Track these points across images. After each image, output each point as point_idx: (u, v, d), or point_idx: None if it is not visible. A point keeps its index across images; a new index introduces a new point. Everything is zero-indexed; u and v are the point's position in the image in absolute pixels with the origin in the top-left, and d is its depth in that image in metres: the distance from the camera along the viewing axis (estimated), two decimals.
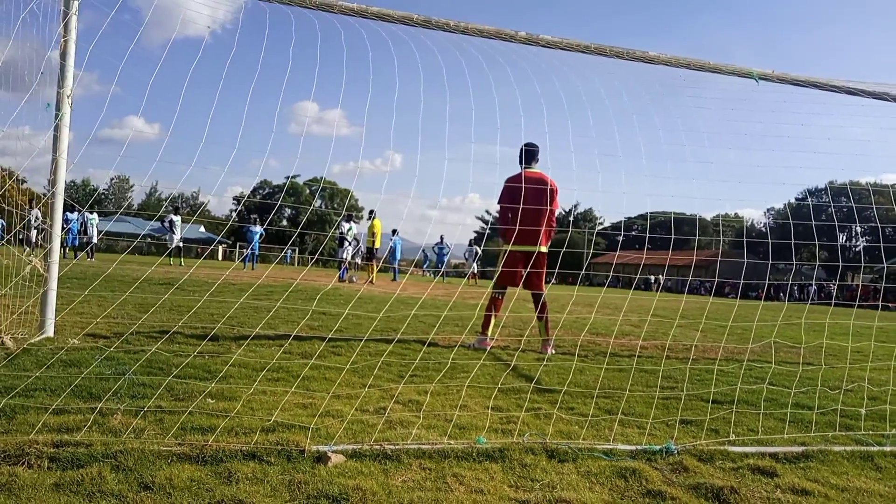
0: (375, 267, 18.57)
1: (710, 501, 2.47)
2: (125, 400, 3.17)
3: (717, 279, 5.16)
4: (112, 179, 78.55)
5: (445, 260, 26.28)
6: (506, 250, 6.22)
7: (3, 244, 5.17)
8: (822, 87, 5.63)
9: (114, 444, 2.51)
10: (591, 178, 4.23)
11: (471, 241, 28.51)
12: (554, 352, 6.05)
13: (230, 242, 47.32)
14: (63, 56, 4.79)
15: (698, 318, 11.23)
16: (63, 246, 21.53)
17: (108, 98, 3.78)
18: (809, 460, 3.06)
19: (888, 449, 3.33)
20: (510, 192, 6.17)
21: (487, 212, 68.81)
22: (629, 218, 5.38)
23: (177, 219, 22.45)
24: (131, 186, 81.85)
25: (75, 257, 21.04)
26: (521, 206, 5.50)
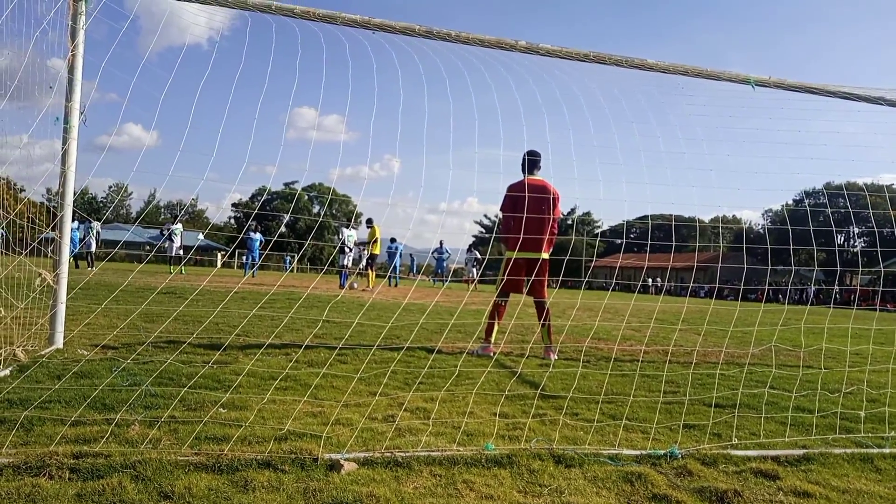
0: (373, 273, 18.66)
1: None
2: (139, 411, 3.23)
3: (717, 284, 5.22)
4: (110, 187, 78.57)
5: (445, 266, 26.31)
6: (509, 258, 6.28)
7: (8, 255, 5.22)
8: (817, 92, 5.72)
9: (132, 454, 2.57)
10: (592, 177, 4.30)
11: (470, 246, 28.54)
12: (556, 357, 6.11)
13: (228, 250, 47.36)
14: (71, 70, 4.86)
15: (698, 322, 11.30)
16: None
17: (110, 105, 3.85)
18: (810, 463, 3.13)
19: (888, 451, 3.39)
20: (512, 200, 6.24)
21: (486, 216, 68.99)
22: (628, 221, 5.45)
23: (177, 227, 22.53)
24: (129, 194, 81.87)
25: (76, 266, 21.07)
26: (525, 214, 5.57)
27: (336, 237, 22.55)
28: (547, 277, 6.53)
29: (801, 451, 3.27)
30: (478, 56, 4.85)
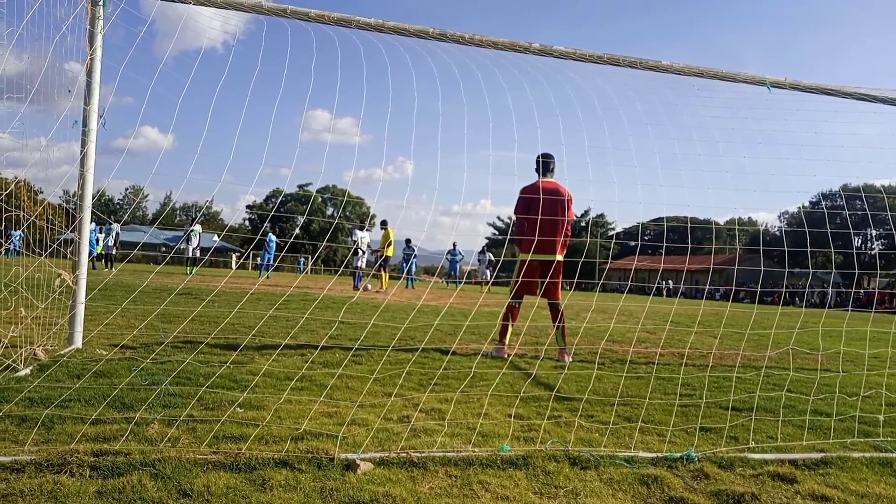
0: (387, 275, 18.74)
1: None
2: (158, 410, 3.27)
3: (733, 287, 5.19)
4: (126, 189, 79.43)
5: (458, 268, 26.31)
6: (523, 260, 6.28)
7: (29, 255, 5.30)
8: (833, 93, 5.67)
9: (151, 452, 2.60)
10: (606, 179, 4.30)
11: (483, 247, 28.47)
12: (571, 359, 6.10)
13: (243, 252, 47.69)
14: (89, 74, 4.93)
15: (714, 324, 11.22)
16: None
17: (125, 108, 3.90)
18: (829, 467, 3.10)
19: None
20: (526, 203, 6.24)
21: (499, 217, 68.85)
22: (642, 223, 5.43)
23: (197, 228, 22.85)
24: (146, 196, 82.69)
25: (93, 268, 21.31)
26: (539, 216, 5.57)
27: (349, 239, 22.62)
28: (561, 279, 6.52)
29: (819, 455, 3.24)
30: (491, 58, 4.87)
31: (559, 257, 6.35)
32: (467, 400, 4.03)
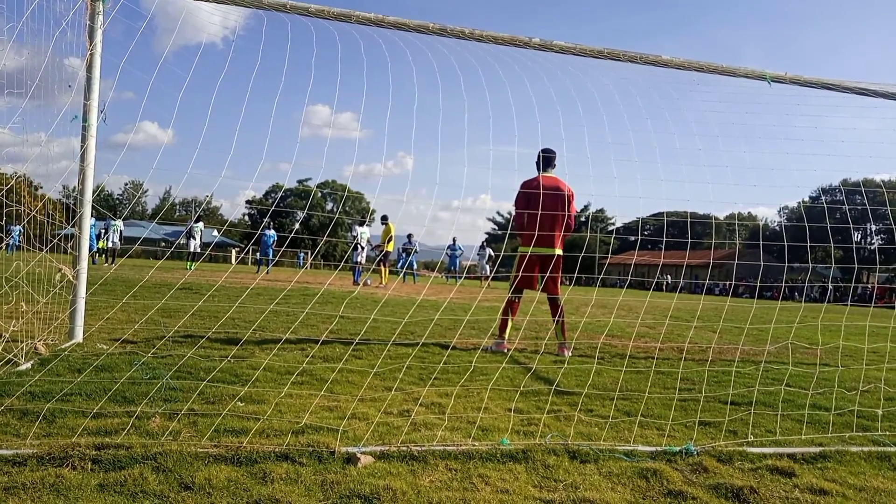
0: (386, 270, 18.76)
1: (730, 501, 2.53)
2: (159, 404, 3.28)
3: (732, 281, 5.20)
4: (126, 184, 79.34)
5: (458, 262, 26.31)
6: (522, 254, 6.29)
7: (29, 250, 5.31)
8: (834, 88, 5.66)
9: (153, 446, 2.62)
10: (606, 174, 4.30)
11: (483, 243, 28.45)
12: (571, 354, 6.12)
13: (243, 247, 47.70)
14: (89, 69, 4.92)
15: (713, 319, 11.24)
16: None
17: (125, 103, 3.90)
18: (827, 460, 3.12)
19: None
20: (526, 197, 6.24)
21: (499, 213, 68.80)
22: (642, 218, 5.44)
23: (199, 225, 22.94)
24: (145, 191, 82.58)
25: (93, 262, 21.31)
26: (539, 210, 5.57)
27: (349, 234, 22.64)
28: (560, 274, 6.54)
29: (818, 449, 3.26)
30: (491, 53, 4.86)
31: (559, 251, 6.35)
32: (467, 394, 4.04)
